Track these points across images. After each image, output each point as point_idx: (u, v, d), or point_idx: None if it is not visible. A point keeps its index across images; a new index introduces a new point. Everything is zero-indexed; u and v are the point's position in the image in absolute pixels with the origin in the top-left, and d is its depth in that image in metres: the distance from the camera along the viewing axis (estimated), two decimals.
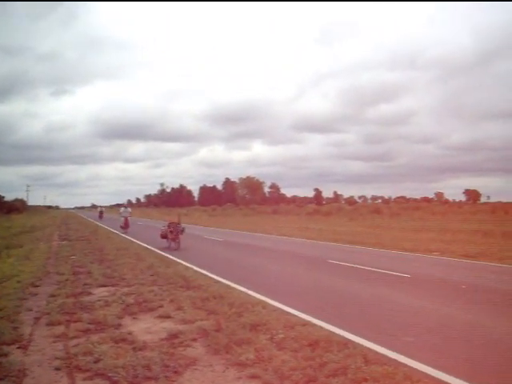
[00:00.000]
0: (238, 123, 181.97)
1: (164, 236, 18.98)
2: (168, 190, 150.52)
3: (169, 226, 19.07)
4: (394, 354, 5.29)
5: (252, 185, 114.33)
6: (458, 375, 4.61)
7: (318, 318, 6.84)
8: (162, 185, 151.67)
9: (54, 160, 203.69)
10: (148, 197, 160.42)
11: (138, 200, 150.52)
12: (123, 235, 25.56)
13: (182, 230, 18.38)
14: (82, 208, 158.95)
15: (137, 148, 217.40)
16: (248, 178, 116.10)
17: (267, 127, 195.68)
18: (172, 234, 18.39)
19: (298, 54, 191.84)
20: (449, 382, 4.49)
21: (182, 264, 13.20)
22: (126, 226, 28.68)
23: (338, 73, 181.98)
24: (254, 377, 4.66)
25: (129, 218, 29.29)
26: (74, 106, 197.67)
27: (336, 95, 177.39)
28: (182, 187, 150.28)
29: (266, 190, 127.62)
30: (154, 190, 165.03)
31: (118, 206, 44.50)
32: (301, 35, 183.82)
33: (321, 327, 6.34)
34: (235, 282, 10.07)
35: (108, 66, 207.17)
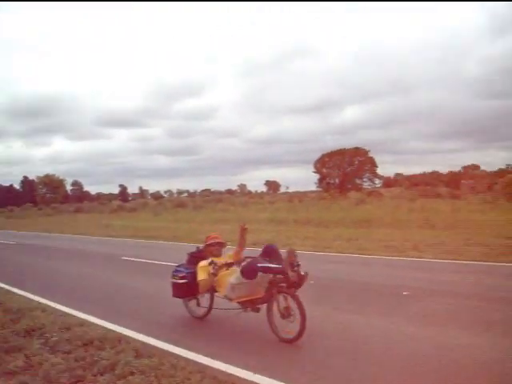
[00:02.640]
0: (37, 117, 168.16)
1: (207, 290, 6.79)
2: None
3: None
4: (165, 344, 5.71)
5: (52, 183, 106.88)
6: (227, 360, 5.04)
7: (97, 317, 7.02)
8: None
9: None
10: None
11: None
12: None
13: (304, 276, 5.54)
14: None
15: None
16: (47, 175, 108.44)
17: (69, 122, 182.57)
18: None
19: (102, 46, 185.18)
20: (213, 365, 4.92)
21: None
22: None
23: (142, 67, 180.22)
24: None
25: None
26: None
27: (141, 89, 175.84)
28: None
29: (69, 187, 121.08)
30: None
31: None
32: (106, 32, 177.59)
33: (98, 325, 6.52)
34: (17, 287, 9.66)
35: None
